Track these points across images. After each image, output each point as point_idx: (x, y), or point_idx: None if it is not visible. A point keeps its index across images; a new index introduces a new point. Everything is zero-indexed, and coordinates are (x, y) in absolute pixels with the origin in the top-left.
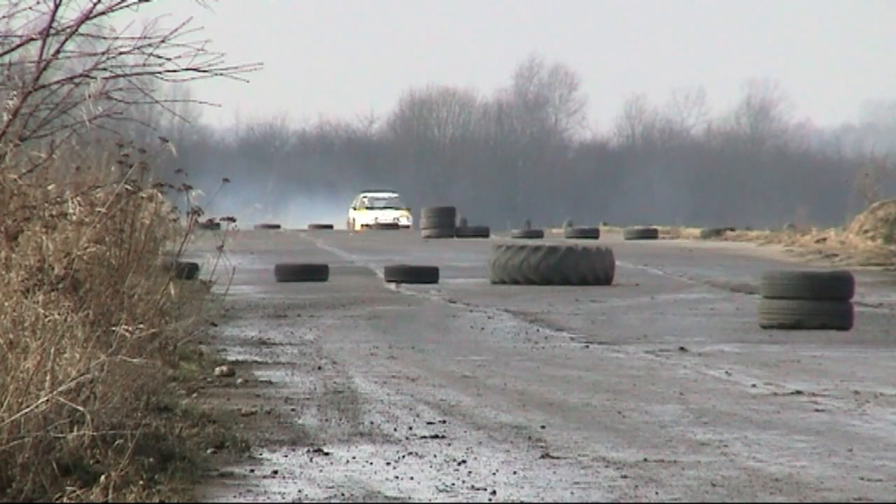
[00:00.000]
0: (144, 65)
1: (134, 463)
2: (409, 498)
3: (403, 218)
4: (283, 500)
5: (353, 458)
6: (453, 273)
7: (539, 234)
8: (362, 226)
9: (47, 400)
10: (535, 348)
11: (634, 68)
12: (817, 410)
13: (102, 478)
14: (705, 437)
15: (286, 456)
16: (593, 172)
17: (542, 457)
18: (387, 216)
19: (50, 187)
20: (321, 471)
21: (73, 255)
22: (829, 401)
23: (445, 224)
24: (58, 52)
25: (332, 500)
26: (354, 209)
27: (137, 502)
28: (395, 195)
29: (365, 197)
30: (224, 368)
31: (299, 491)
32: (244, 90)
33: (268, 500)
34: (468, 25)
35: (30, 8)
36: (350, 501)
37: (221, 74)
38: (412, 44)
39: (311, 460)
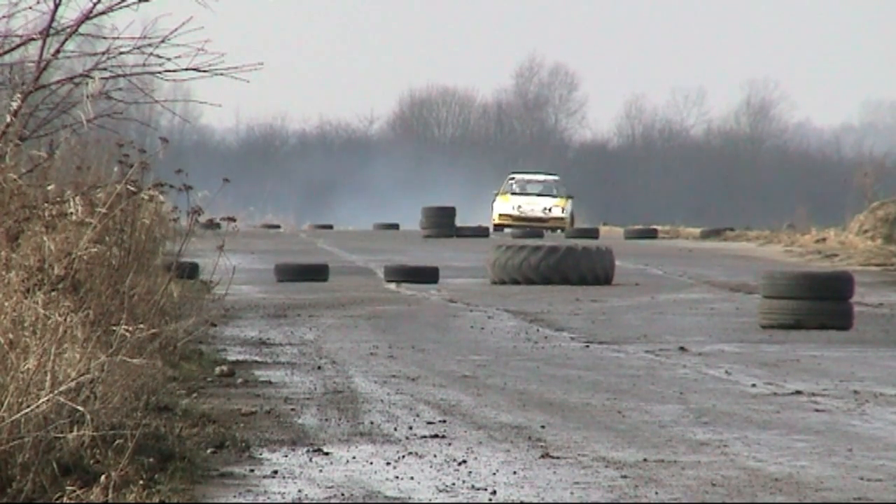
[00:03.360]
0: (144, 65)
1: (134, 463)
2: (409, 498)
3: (558, 209)
4: (283, 500)
5: (353, 457)
6: (453, 273)
7: (539, 234)
8: (500, 216)
9: (47, 400)
10: (535, 348)
11: (634, 68)
12: (817, 410)
13: (102, 478)
14: (705, 436)
15: (286, 456)
16: (593, 172)
17: (542, 457)
18: (535, 205)
19: (50, 187)
20: (321, 471)
21: (74, 255)
22: (828, 401)
23: (445, 224)
24: (58, 51)
25: (332, 500)
26: (498, 195)
27: (137, 502)
28: (555, 178)
29: (512, 179)
30: (224, 368)
31: (299, 491)
32: (244, 90)
33: (268, 500)
34: (468, 25)
35: (30, 8)
36: (350, 501)
37: (221, 74)
38: (412, 44)
39: (310, 460)
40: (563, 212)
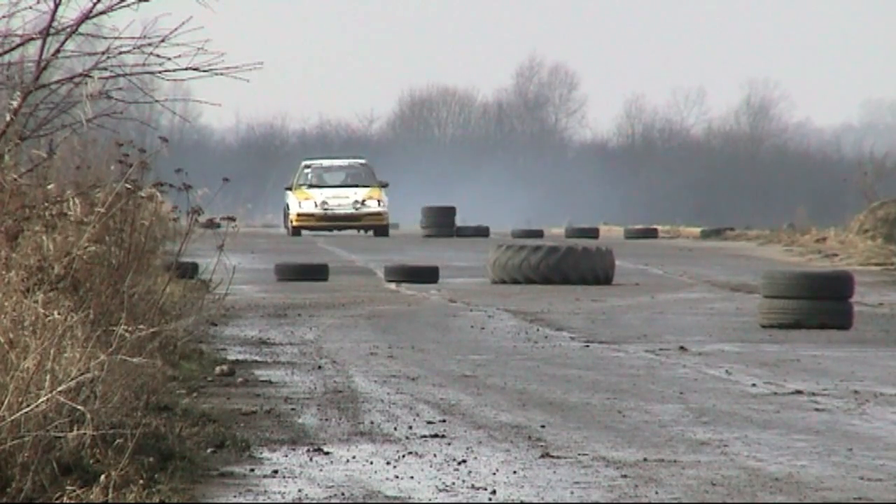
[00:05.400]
0: (144, 64)
1: (134, 462)
2: (409, 497)
3: (372, 201)
4: (283, 500)
5: (353, 457)
6: (453, 273)
7: (539, 234)
8: (299, 217)
9: (47, 399)
10: (535, 348)
11: (634, 68)
12: (817, 410)
13: (102, 477)
14: (705, 436)
15: (286, 455)
16: (593, 172)
17: (542, 456)
18: (344, 200)
19: (50, 187)
20: (321, 470)
21: (73, 254)
22: (828, 400)
23: (445, 223)
24: (57, 51)
25: (332, 500)
26: (291, 190)
27: (137, 502)
28: (361, 161)
29: (308, 168)
30: (224, 368)
31: (299, 490)
32: (244, 90)
33: (268, 500)
34: (468, 25)
35: (30, 7)
36: (350, 501)
37: (221, 74)
38: (412, 44)
39: (311, 460)
40: (379, 205)
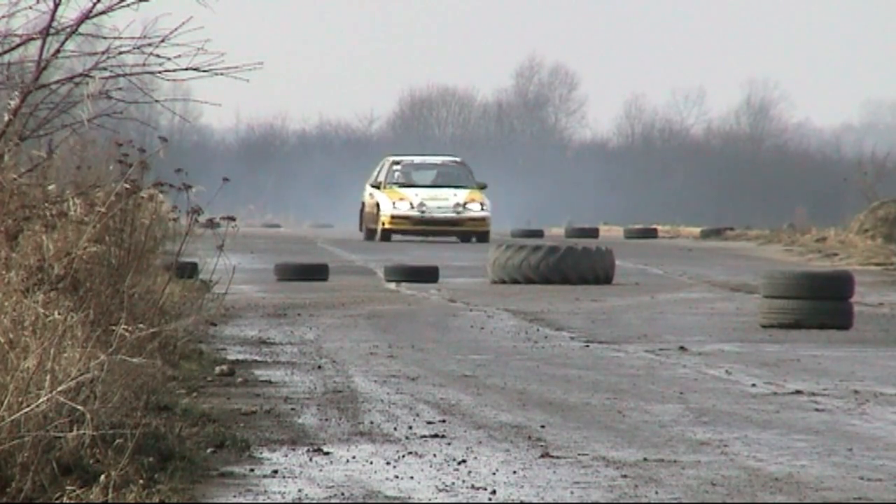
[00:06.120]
0: (144, 64)
1: (134, 462)
2: (409, 497)
3: (475, 204)
4: (282, 500)
5: (353, 457)
6: (453, 272)
7: (539, 234)
8: (392, 219)
9: (47, 399)
10: (535, 347)
11: (634, 68)
12: (817, 410)
13: (102, 477)
14: (705, 436)
15: (286, 455)
16: (593, 172)
17: (542, 456)
18: (443, 202)
19: (50, 187)
20: (321, 470)
21: (73, 254)
22: (828, 400)
23: None
24: (57, 51)
25: (332, 500)
26: (379, 189)
27: (137, 502)
28: (455, 159)
29: (397, 166)
30: (224, 368)
31: (299, 490)
32: (244, 90)
33: (268, 500)
34: (468, 25)
35: (30, 7)
36: (350, 501)
37: (221, 74)
38: (412, 44)
39: (310, 460)
40: (482, 208)
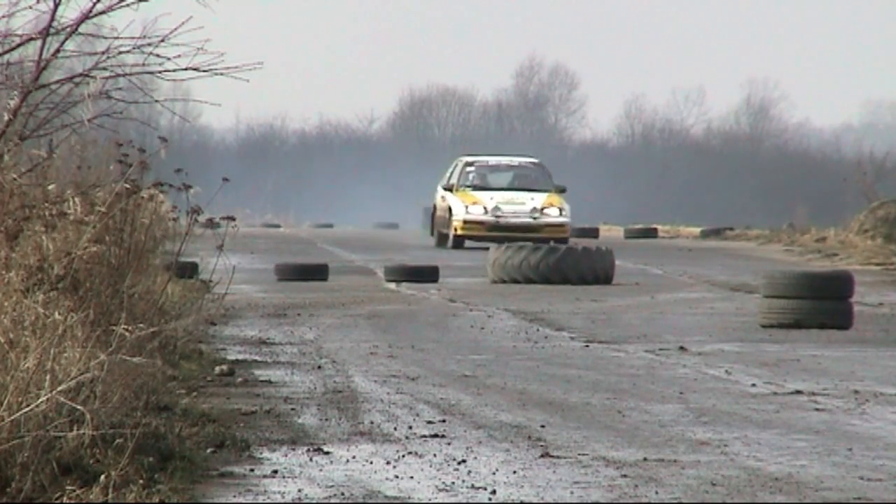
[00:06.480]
0: (144, 64)
1: (134, 462)
2: (409, 497)
3: (553, 209)
4: (282, 500)
5: (353, 457)
6: (453, 272)
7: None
8: (465, 224)
9: (47, 399)
10: (535, 347)
11: (634, 68)
12: (817, 410)
13: (102, 477)
14: (705, 436)
15: (286, 455)
16: (593, 172)
17: (542, 456)
18: (520, 206)
19: (50, 187)
20: (321, 470)
21: (73, 254)
22: (828, 400)
23: None
24: (57, 51)
25: (332, 500)
26: (451, 191)
27: (137, 502)
28: (533, 160)
29: (471, 167)
30: (224, 368)
31: (299, 490)
32: (244, 90)
33: (267, 500)
34: (468, 25)
35: (30, 7)
36: (350, 501)
37: (221, 74)
38: (412, 44)
39: (310, 459)
40: (561, 214)
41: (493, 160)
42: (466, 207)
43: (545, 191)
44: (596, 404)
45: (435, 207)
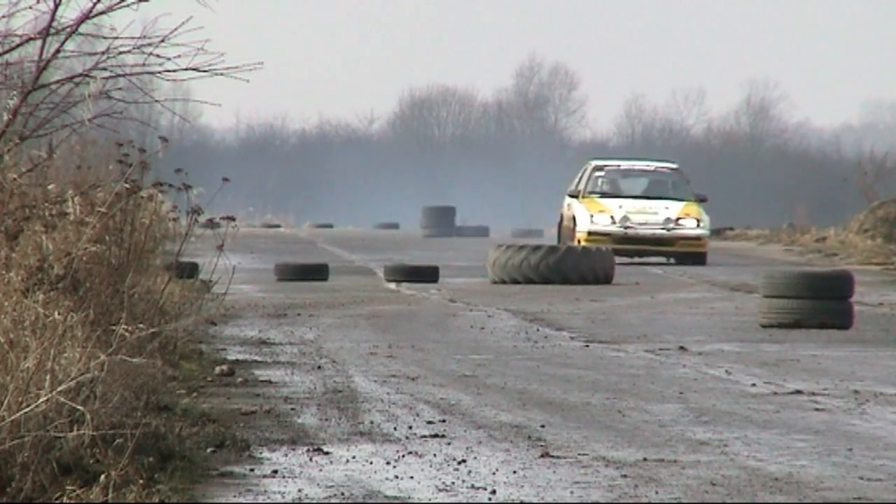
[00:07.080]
0: (144, 64)
1: (134, 462)
2: (409, 497)
3: (690, 220)
4: (282, 500)
5: (353, 457)
6: (453, 272)
7: (539, 234)
8: (590, 236)
9: (47, 399)
10: (535, 347)
11: (634, 68)
12: (817, 410)
13: (102, 477)
14: (705, 436)
15: (286, 455)
16: None
17: (542, 456)
18: (651, 216)
19: (50, 187)
20: (321, 470)
21: (73, 254)
22: (828, 400)
23: (445, 223)
24: (57, 51)
25: (332, 500)
26: (578, 198)
27: (137, 502)
28: (671, 165)
29: (601, 172)
30: (224, 368)
31: (299, 490)
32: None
33: (267, 500)
34: (468, 25)
35: (30, 7)
36: (350, 501)
37: (221, 74)
38: (412, 44)
39: (310, 459)
40: (698, 225)
41: (625, 164)
42: (591, 217)
43: (682, 199)
44: (596, 404)
45: (562, 217)
